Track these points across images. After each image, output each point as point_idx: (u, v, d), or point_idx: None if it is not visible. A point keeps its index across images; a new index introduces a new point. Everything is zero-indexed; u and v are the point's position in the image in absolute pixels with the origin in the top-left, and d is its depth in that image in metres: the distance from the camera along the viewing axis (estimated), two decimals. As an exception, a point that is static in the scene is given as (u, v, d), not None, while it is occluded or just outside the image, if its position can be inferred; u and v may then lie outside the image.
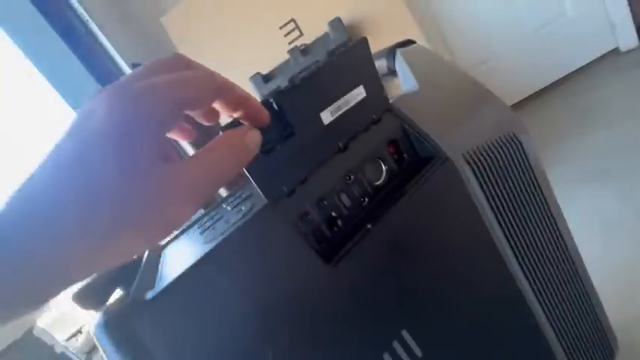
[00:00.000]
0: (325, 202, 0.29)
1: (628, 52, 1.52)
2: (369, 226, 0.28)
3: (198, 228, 0.35)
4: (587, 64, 1.58)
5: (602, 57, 1.56)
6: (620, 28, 1.51)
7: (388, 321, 0.28)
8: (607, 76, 1.47)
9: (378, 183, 0.31)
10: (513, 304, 0.35)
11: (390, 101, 0.33)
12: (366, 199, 0.30)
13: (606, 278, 0.78)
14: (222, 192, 0.51)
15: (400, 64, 0.38)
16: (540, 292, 0.37)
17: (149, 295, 0.22)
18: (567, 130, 1.32)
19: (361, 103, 0.30)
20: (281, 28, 1.20)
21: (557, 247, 0.38)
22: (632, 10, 1.47)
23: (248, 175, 0.25)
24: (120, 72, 1.18)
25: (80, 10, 1.15)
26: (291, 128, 0.26)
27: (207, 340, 0.22)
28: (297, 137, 0.26)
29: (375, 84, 0.31)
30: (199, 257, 0.24)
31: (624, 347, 0.63)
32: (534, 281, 0.36)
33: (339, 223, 0.29)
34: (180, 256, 0.29)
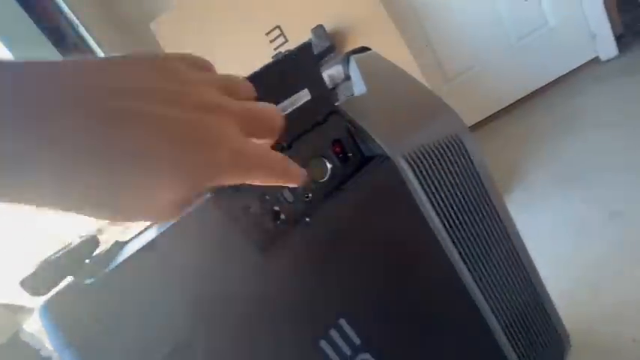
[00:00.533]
0: (267, 197, 0.30)
1: (608, 61, 1.56)
2: (307, 219, 0.30)
3: (159, 227, 0.37)
4: (568, 73, 1.62)
5: (583, 66, 1.60)
6: (600, 38, 1.56)
7: (325, 309, 0.30)
8: (587, 85, 1.51)
9: (322, 180, 0.33)
10: (455, 294, 0.37)
11: (337, 104, 0.35)
12: (310, 195, 0.32)
13: (573, 276, 0.80)
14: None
15: (353, 70, 0.40)
16: (483, 284, 0.39)
17: (89, 280, 0.24)
18: (546, 136, 1.36)
19: (307, 105, 0.32)
20: (267, 34, 1.23)
21: (501, 241, 0.40)
22: (610, 20, 1.52)
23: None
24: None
25: (70, 15, 1.18)
26: None
27: (139, 326, 0.24)
28: None
29: (319, 87, 0.33)
30: (138, 248, 0.25)
31: (585, 346, 0.65)
32: (477, 273, 0.38)
33: (282, 216, 0.31)
34: (131, 249, 0.30)
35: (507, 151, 1.41)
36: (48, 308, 0.23)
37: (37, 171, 0.14)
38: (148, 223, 0.40)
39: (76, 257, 0.30)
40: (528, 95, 1.67)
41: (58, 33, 1.19)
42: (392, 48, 1.12)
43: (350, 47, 1.19)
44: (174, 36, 1.29)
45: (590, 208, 0.94)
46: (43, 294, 0.27)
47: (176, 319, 0.24)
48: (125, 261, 0.25)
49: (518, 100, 1.69)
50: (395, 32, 1.19)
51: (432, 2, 1.56)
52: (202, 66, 0.22)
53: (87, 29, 1.21)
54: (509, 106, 1.70)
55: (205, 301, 0.25)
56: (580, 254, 0.85)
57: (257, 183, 0.20)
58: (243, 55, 1.25)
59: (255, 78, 0.29)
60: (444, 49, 1.63)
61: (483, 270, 0.39)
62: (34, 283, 0.26)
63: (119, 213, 0.17)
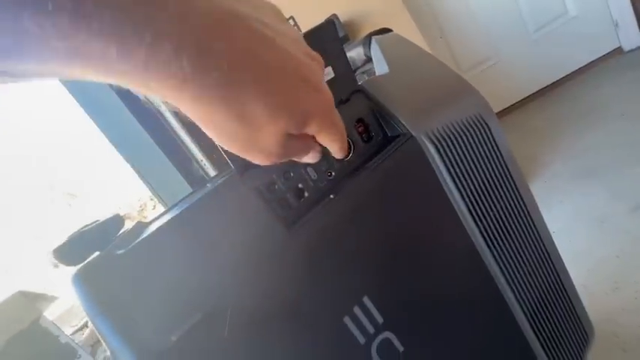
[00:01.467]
0: (292, 174, 0.30)
1: (631, 51, 1.51)
2: (331, 196, 0.30)
3: (184, 204, 0.37)
4: (588, 63, 1.57)
5: (605, 56, 1.55)
6: (623, 27, 1.51)
7: (349, 286, 0.30)
8: (609, 76, 1.46)
9: (345, 159, 0.33)
10: (478, 276, 0.36)
11: (360, 83, 0.35)
12: (333, 173, 0.32)
13: (593, 270, 0.78)
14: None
15: (374, 50, 0.40)
16: (506, 267, 0.38)
17: (119, 251, 0.24)
18: (566, 128, 1.32)
19: (330, 83, 0.32)
20: (280, 25, 1.23)
21: (525, 226, 0.39)
22: (635, 9, 1.46)
23: (220, 148, 0.27)
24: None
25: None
26: None
27: (169, 295, 0.24)
28: None
29: (343, 65, 0.33)
30: (167, 220, 0.26)
31: (606, 336, 0.63)
32: (500, 255, 0.37)
33: (306, 194, 0.31)
34: (158, 225, 0.31)
35: (526, 143, 1.38)
36: (81, 277, 0.23)
37: (208, 67, 0.16)
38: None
39: (104, 232, 0.30)
40: (547, 87, 1.63)
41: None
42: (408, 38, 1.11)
43: (364, 37, 1.17)
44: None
45: (611, 202, 0.92)
46: (73, 264, 0.28)
47: (204, 289, 0.25)
48: (154, 232, 0.25)
49: (537, 92, 1.65)
50: (410, 22, 1.18)
51: (448, -8, 1.53)
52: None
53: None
54: (526, 98, 1.66)
55: (232, 274, 0.26)
56: (601, 248, 0.82)
57: (325, 140, 0.22)
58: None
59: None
60: (459, 40, 1.60)
61: (506, 253, 0.38)
62: (66, 253, 0.27)
63: (244, 129, 0.19)
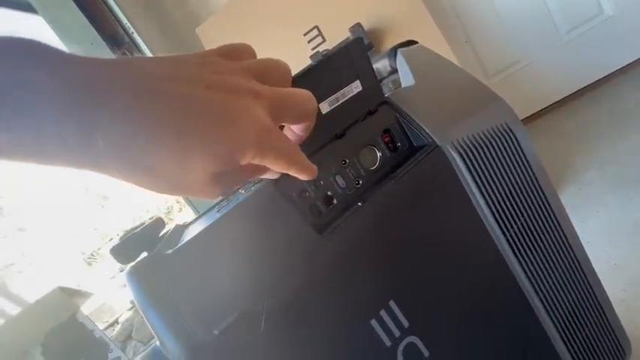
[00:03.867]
0: (321, 183, 0.32)
1: (672, 52, 1.42)
2: (359, 204, 0.31)
3: (217, 211, 0.40)
4: (625, 66, 1.50)
5: (642, 58, 1.47)
6: (664, 26, 1.43)
7: (376, 290, 0.31)
8: (647, 78, 1.38)
9: (372, 168, 0.34)
10: (505, 286, 0.36)
11: (386, 95, 0.36)
12: (361, 182, 0.34)
13: (631, 284, 0.74)
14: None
15: (400, 62, 0.41)
16: (535, 278, 0.38)
17: (168, 251, 0.27)
18: (601, 134, 1.26)
19: (358, 96, 0.34)
20: (305, 34, 1.26)
21: (554, 236, 0.39)
22: (677, 8, 1.38)
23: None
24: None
25: (126, 22, 1.28)
26: None
27: (210, 293, 0.26)
28: None
29: (370, 79, 0.34)
30: (208, 225, 0.28)
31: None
32: (528, 265, 0.37)
33: (335, 201, 0.33)
34: (197, 228, 0.33)
35: (558, 149, 1.33)
36: (135, 274, 0.26)
37: (95, 139, 0.17)
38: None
39: (150, 233, 0.34)
40: (580, 90, 1.56)
41: (114, 38, 1.30)
42: (431, 44, 1.11)
43: (388, 45, 1.18)
44: (216, 39, 1.36)
45: (649, 211, 0.87)
46: (127, 262, 0.31)
47: (244, 288, 0.27)
48: (198, 235, 0.28)
49: (569, 96, 1.58)
50: (434, 28, 1.17)
51: (473, -5, 1.51)
52: (243, 51, 0.24)
53: (139, 34, 1.31)
54: (558, 102, 1.60)
55: (268, 275, 0.28)
56: (636, 259, 0.78)
57: (273, 167, 0.22)
58: (282, 56, 1.29)
59: (311, 71, 0.31)
60: (485, 44, 1.57)
61: (535, 263, 0.38)
62: (120, 252, 0.30)
63: (162, 180, 0.19)
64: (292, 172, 0.23)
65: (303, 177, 0.23)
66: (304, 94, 0.23)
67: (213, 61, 0.21)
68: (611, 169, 1.09)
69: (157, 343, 0.26)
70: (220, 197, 0.20)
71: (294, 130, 0.25)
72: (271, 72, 0.23)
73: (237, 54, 0.23)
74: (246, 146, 0.19)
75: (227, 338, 0.25)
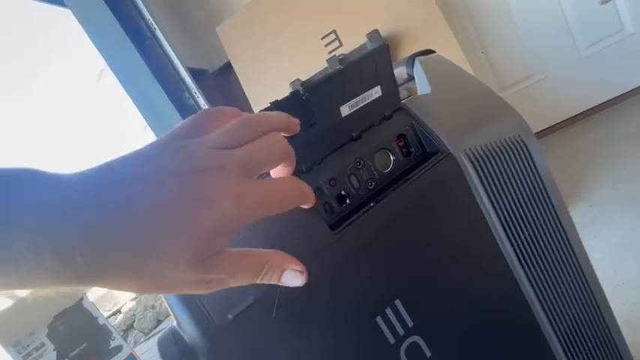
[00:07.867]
0: (336, 182, 0.33)
1: (694, 72, 1.41)
2: (372, 204, 0.32)
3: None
4: (643, 84, 1.48)
5: (663, 77, 1.46)
6: (686, 47, 1.41)
7: (383, 288, 0.32)
8: (666, 98, 1.37)
9: (385, 171, 0.36)
10: (510, 295, 0.37)
11: (403, 101, 0.38)
12: (373, 183, 0.35)
13: (637, 302, 0.74)
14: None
15: (417, 70, 0.42)
16: (540, 290, 0.38)
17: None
18: (615, 152, 1.25)
19: (376, 101, 0.35)
20: (322, 38, 1.28)
21: (561, 249, 0.40)
22: (699, 28, 1.37)
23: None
24: (177, 73, 1.32)
25: (149, 18, 1.32)
26: (314, 117, 0.31)
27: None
28: (318, 125, 0.32)
29: (390, 85, 0.35)
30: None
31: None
32: (533, 276, 0.38)
33: (348, 200, 0.34)
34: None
35: (571, 166, 1.32)
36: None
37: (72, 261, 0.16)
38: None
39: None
40: (596, 107, 1.55)
41: (137, 34, 1.33)
42: (447, 53, 1.12)
43: (405, 52, 1.19)
44: (236, 39, 1.39)
45: (661, 231, 0.86)
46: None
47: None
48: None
49: (585, 112, 1.57)
50: (451, 38, 1.18)
51: (490, 7, 1.51)
52: (212, 120, 0.23)
53: (162, 31, 1.35)
54: (573, 117, 1.59)
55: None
56: (647, 279, 0.78)
57: (275, 212, 0.22)
58: (299, 59, 1.32)
59: (338, 74, 0.32)
60: (501, 55, 1.57)
61: (540, 274, 0.39)
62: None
63: (151, 289, 0.19)
64: (298, 204, 0.23)
65: (306, 205, 0.24)
66: (270, 139, 0.23)
67: (179, 146, 0.20)
68: (624, 188, 1.08)
69: (174, 323, 0.28)
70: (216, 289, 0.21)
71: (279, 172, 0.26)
72: (240, 130, 0.22)
73: (203, 126, 0.22)
74: (230, 219, 0.19)
75: (240, 322, 0.27)
